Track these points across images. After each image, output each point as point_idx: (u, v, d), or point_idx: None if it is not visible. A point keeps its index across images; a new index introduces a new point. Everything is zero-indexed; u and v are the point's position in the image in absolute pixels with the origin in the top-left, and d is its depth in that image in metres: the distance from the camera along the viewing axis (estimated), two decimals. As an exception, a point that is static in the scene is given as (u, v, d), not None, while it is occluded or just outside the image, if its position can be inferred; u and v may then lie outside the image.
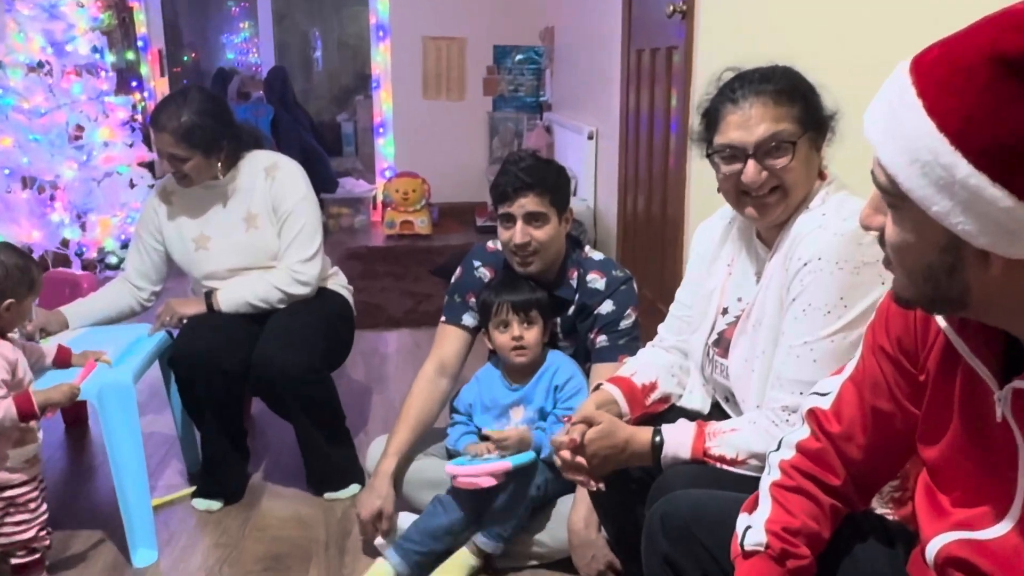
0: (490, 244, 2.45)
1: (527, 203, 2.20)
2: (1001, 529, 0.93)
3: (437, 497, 2.26)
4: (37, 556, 2.11)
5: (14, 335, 2.15)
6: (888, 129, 0.83)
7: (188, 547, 2.40)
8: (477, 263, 2.45)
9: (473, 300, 2.40)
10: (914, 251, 0.87)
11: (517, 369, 2.28)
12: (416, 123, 6.73)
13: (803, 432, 1.20)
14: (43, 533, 2.11)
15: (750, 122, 1.51)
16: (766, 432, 1.45)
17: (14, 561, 2.01)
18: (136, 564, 2.30)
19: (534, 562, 2.25)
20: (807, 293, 1.46)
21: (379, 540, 2.28)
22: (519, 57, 6.54)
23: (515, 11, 6.51)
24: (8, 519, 2.01)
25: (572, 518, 2.13)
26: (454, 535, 2.22)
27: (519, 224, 2.20)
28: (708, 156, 1.61)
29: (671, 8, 3.21)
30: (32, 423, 2.06)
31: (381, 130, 6.84)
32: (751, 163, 1.51)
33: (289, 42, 7.48)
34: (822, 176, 1.58)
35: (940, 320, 1.00)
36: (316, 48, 8.18)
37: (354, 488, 2.66)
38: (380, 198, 6.47)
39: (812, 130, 1.54)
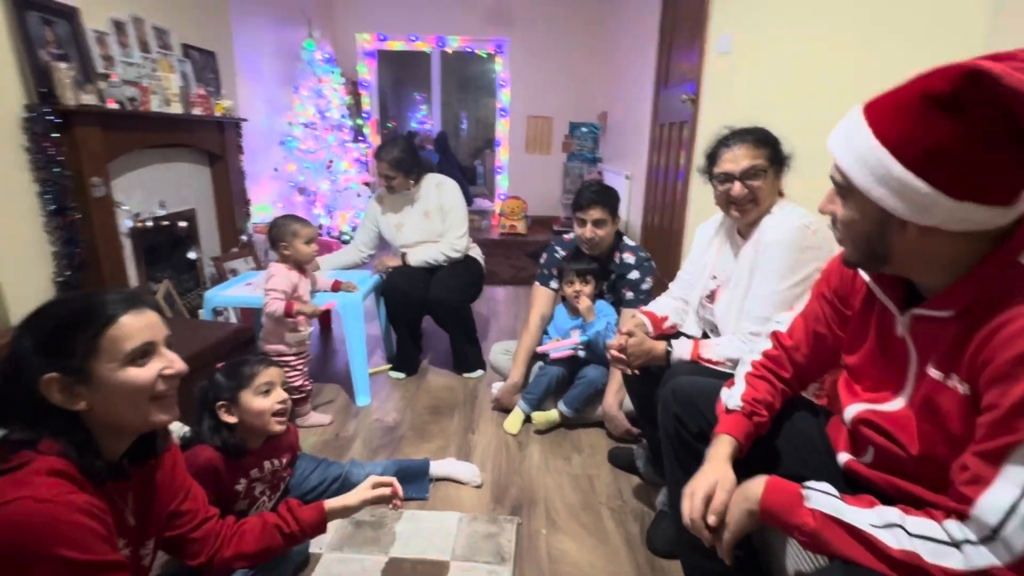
0: (566, 236, 2.34)
1: (595, 212, 2.10)
2: (897, 404, 0.87)
3: (539, 365, 2.26)
4: (304, 395, 2.16)
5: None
6: (846, 145, 0.77)
7: (386, 397, 2.43)
8: (558, 248, 2.36)
9: (555, 271, 2.33)
10: (857, 224, 0.81)
11: (575, 308, 2.22)
12: (521, 167, 6.60)
13: (767, 344, 1.13)
14: (306, 382, 2.15)
15: (737, 158, 1.43)
16: (738, 346, 1.37)
17: (294, 397, 2.07)
18: (358, 404, 2.35)
19: (589, 423, 2.20)
20: (770, 263, 1.38)
21: (494, 387, 2.34)
22: (584, 129, 6.33)
23: (583, 100, 6.30)
24: (288, 373, 2.06)
25: (606, 402, 2.09)
26: (549, 387, 2.19)
27: (589, 226, 2.11)
28: (709, 179, 1.51)
29: (684, 97, 3.08)
30: (299, 319, 2.07)
31: (500, 171, 6.73)
32: (737, 184, 1.43)
33: (448, 117, 7.44)
34: (781, 194, 1.48)
35: (864, 275, 0.94)
36: (463, 121, 8.14)
37: (480, 372, 2.64)
38: (498, 211, 6.40)
39: (775, 165, 1.44)
